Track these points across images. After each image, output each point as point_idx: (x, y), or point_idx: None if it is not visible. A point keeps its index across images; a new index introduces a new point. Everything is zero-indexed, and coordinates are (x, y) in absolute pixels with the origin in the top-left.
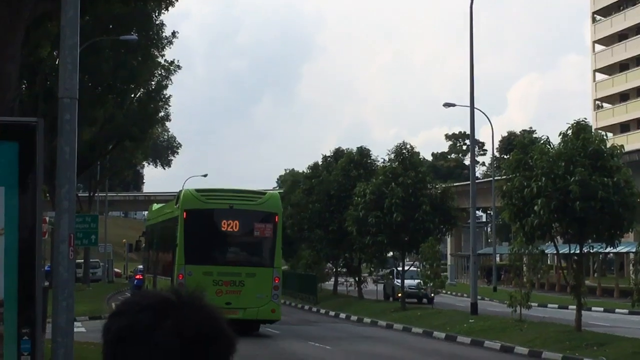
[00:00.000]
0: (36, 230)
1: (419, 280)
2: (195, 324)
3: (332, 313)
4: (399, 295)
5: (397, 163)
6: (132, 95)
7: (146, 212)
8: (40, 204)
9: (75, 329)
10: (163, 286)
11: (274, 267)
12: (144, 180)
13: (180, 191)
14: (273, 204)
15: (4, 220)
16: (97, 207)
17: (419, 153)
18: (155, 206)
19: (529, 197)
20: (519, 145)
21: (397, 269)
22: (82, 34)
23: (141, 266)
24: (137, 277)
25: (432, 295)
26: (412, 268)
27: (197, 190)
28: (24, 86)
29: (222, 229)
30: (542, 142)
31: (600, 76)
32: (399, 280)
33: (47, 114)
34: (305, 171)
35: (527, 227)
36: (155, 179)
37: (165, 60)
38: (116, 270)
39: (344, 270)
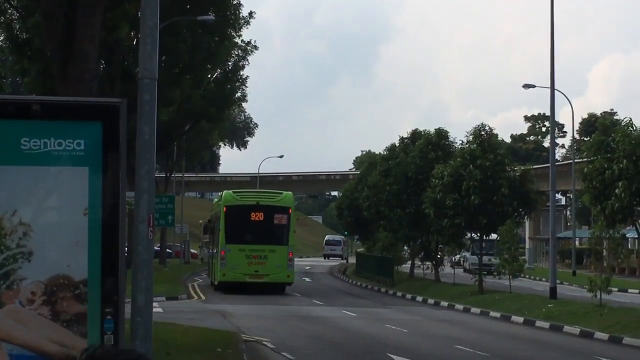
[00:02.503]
0: (119, 211)
1: None
2: None
3: (408, 296)
4: None
5: (475, 145)
6: (209, 76)
7: (221, 193)
8: (124, 185)
9: (153, 309)
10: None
11: (288, 245)
12: (220, 161)
13: (222, 192)
14: (287, 200)
15: (88, 201)
16: (174, 187)
17: (497, 135)
18: (215, 200)
19: (609, 180)
20: (600, 127)
21: None
22: (159, 15)
23: None
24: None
25: None
26: None
27: (234, 192)
28: (102, 66)
29: (252, 218)
30: (624, 123)
31: None
32: None
33: (124, 94)
34: (382, 152)
35: (607, 211)
36: (232, 159)
37: (242, 41)
38: (192, 251)
39: (421, 254)
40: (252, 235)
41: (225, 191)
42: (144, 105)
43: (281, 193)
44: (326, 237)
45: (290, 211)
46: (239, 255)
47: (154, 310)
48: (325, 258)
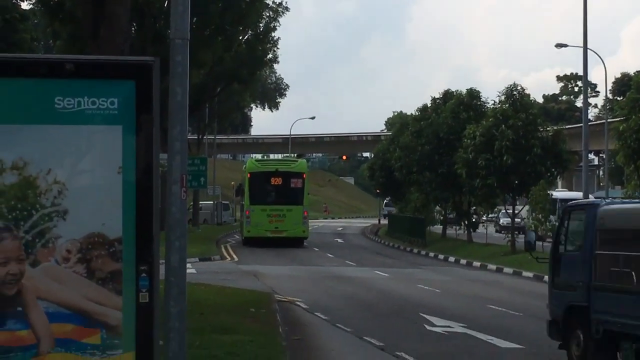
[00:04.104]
0: (153, 169)
1: None
2: None
3: (440, 256)
4: None
5: (507, 105)
6: (240, 38)
7: (253, 155)
8: (157, 143)
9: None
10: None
11: (303, 205)
12: (252, 123)
13: (247, 160)
14: (302, 167)
15: (122, 159)
16: (206, 149)
17: (529, 95)
18: (244, 167)
19: None
20: (635, 85)
21: None
22: None
23: None
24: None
25: None
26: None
27: (257, 160)
28: (133, 29)
29: (272, 183)
30: None
31: None
32: None
33: (156, 57)
34: (413, 113)
35: None
36: (264, 121)
37: (273, 2)
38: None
39: (453, 215)
40: (272, 197)
41: (248, 160)
42: (176, 66)
43: (296, 161)
44: (385, 200)
45: (304, 176)
46: (261, 214)
47: (187, 271)
48: (384, 217)
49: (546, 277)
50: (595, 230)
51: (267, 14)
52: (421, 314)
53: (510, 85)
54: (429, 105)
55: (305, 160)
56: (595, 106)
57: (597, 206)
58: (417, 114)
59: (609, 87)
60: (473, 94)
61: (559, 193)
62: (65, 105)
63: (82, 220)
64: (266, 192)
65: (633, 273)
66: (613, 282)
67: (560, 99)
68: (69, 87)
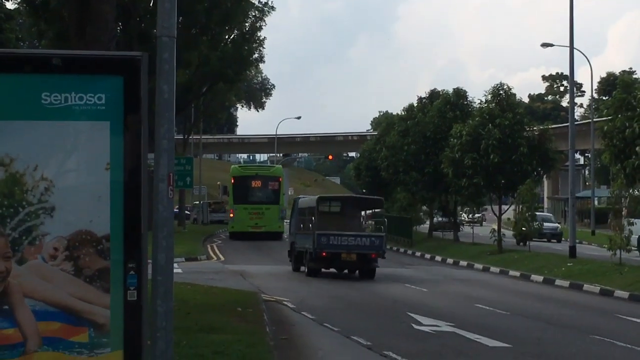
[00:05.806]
0: (141, 165)
1: None
2: None
3: (427, 256)
4: None
5: (493, 104)
6: (226, 37)
7: (239, 155)
8: (146, 139)
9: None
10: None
11: (279, 204)
12: (238, 123)
13: (233, 160)
14: (279, 171)
15: (110, 155)
16: (192, 149)
17: (515, 94)
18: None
19: (630, 138)
20: (621, 85)
21: None
22: None
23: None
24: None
25: None
26: None
27: (239, 166)
28: (119, 28)
29: (252, 185)
30: None
31: None
32: None
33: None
34: (400, 113)
35: (628, 169)
36: (250, 121)
37: (259, 2)
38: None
39: (440, 216)
40: (253, 198)
41: (232, 166)
42: (163, 63)
43: (274, 166)
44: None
45: (280, 179)
46: (243, 212)
47: (174, 270)
48: None
49: (533, 276)
50: (298, 208)
51: (253, 14)
52: (408, 313)
53: (497, 85)
54: (415, 104)
55: (281, 166)
56: (581, 106)
57: (299, 198)
58: (403, 113)
59: (595, 86)
60: (459, 93)
61: None
62: (52, 101)
63: (69, 217)
64: (247, 194)
65: (301, 225)
66: (299, 230)
67: (546, 98)
68: (56, 83)
